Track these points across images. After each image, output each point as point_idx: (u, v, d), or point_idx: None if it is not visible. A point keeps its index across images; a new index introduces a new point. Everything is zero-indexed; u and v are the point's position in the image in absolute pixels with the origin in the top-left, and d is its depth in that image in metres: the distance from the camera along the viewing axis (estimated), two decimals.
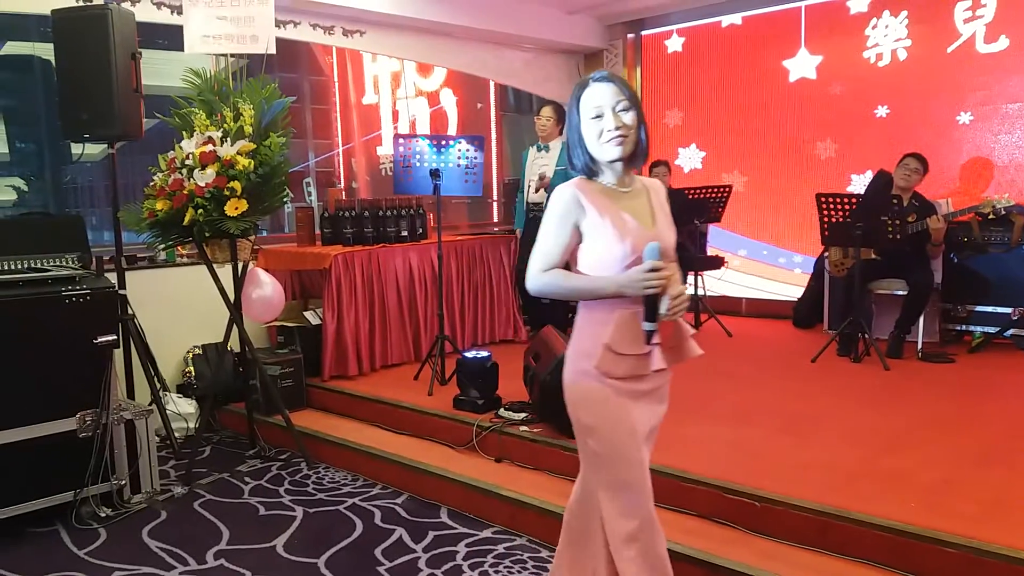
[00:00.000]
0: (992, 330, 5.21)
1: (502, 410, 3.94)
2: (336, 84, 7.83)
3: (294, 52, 7.22)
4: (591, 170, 2.05)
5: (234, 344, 4.37)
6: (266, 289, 4.26)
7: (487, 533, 3.24)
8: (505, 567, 2.93)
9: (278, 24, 4.98)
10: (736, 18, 6.84)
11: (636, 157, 2.03)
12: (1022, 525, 2.57)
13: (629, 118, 1.98)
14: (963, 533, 2.51)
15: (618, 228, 1.96)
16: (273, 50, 4.22)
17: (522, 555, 3.03)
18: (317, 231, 5.40)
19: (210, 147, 3.79)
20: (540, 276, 2.04)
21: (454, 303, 5.54)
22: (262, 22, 4.16)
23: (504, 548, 3.09)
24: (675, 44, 7.27)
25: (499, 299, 5.86)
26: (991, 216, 4.93)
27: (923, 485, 2.93)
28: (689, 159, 7.21)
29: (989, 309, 5.27)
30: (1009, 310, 5.10)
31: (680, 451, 3.22)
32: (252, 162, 3.79)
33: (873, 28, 6.11)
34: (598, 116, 1.97)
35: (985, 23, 5.62)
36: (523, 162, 5.61)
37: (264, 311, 4.32)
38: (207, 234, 3.82)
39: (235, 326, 4.12)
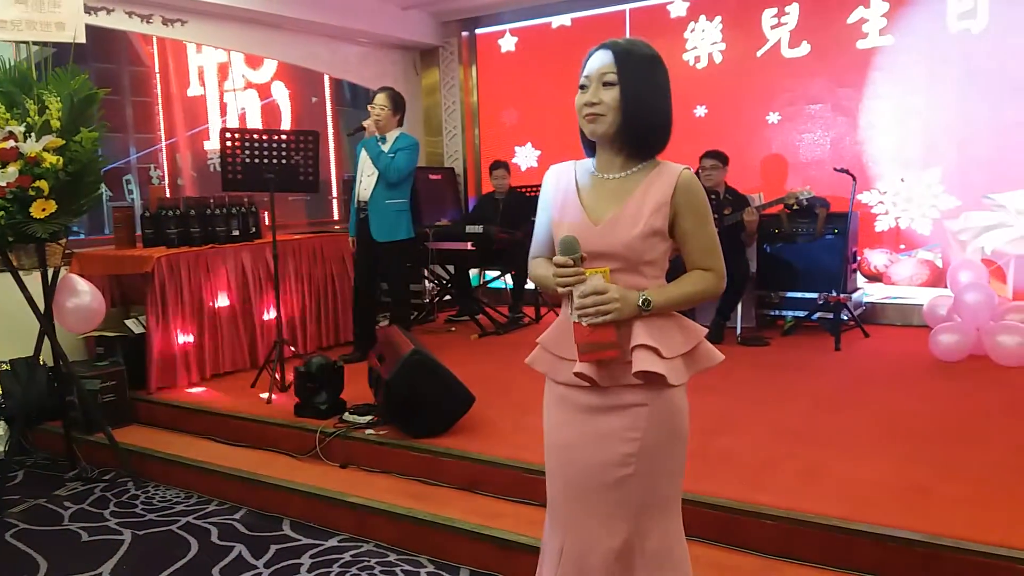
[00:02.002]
0: (802, 314, 5.67)
1: (347, 414, 3.86)
2: (158, 75, 7.38)
3: (109, 41, 6.74)
4: (591, 150, 1.84)
5: (47, 358, 4.03)
6: (83, 298, 3.95)
7: (333, 542, 3.17)
8: (352, 575, 2.88)
9: (89, 11, 4.62)
10: (565, 19, 7.05)
11: (630, 143, 1.75)
12: (832, 493, 2.80)
13: (609, 95, 1.71)
14: (781, 505, 2.71)
15: (564, 218, 1.80)
16: (82, 39, 3.91)
17: (369, 561, 2.98)
18: (138, 232, 5.05)
19: (11, 143, 3.45)
20: (531, 264, 1.93)
21: (293, 305, 5.36)
22: (69, 8, 3.85)
23: (351, 556, 3.04)
24: (508, 43, 7.40)
25: (342, 300, 5.72)
26: (795, 207, 5.34)
27: (746, 462, 3.15)
28: (525, 157, 7.37)
29: (799, 295, 5.73)
30: (816, 295, 5.57)
31: (521, 441, 3.28)
32: (61, 159, 3.51)
33: (691, 32, 6.49)
34: (583, 87, 1.76)
35: (789, 30, 6.11)
36: (357, 157, 5.04)
37: (82, 321, 4.00)
38: (10, 239, 3.50)
39: (46, 338, 3.79)
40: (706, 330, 1.85)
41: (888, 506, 2.68)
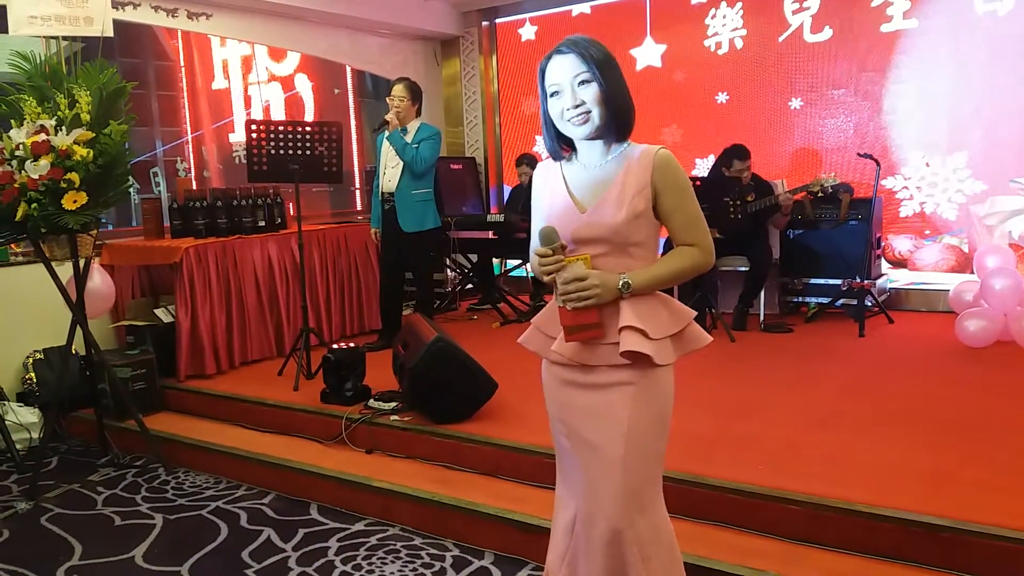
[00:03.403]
0: (825, 300, 5.65)
1: (372, 401, 3.91)
2: (183, 69, 7.47)
3: (136, 36, 6.84)
4: (559, 152, 1.90)
5: (79, 346, 4.12)
6: (95, 280, 4.04)
7: (359, 526, 3.22)
8: (378, 558, 2.93)
9: (115, 5, 4.70)
10: (585, 7, 7.03)
11: (613, 130, 1.82)
12: (856, 478, 2.81)
13: (589, 93, 1.76)
14: (805, 490, 2.72)
15: (551, 209, 1.87)
16: (110, 33, 3.98)
17: (395, 545, 3.03)
18: (166, 223, 5.14)
19: (43, 136, 3.53)
20: (532, 258, 1.97)
21: (318, 294, 5.43)
22: (97, 3, 3.91)
23: (377, 539, 3.09)
24: (528, 32, 7.40)
25: (365, 289, 5.78)
26: (820, 194, 5.33)
27: (769, 447, 3.15)
28: None
29: (822, 281, 5.70)
30: (839, 281, 5.54)
31: (543, 427, 3.30)
32: (91, 152, 3.57)
33: (712, 18, 6.45)
34: (556, 93, 1.80)
35: (811, 14, 6.05)
36: (378, 148, 5.12)
37: (97, 304, 4.09)
38: (43, 230, 3.58)
39: (79, 327, 3.87)
40: (695, 312, 1.90)
41: (912, 491, 2.68)
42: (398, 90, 4.87)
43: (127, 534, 3.23)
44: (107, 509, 3.49)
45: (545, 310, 1.95)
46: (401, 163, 4.84)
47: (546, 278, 1.79)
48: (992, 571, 2.37)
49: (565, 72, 1.78)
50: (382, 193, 5.01)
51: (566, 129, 1.82)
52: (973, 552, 2.41)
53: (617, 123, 1.81)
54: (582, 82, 1.77)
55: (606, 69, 1.78)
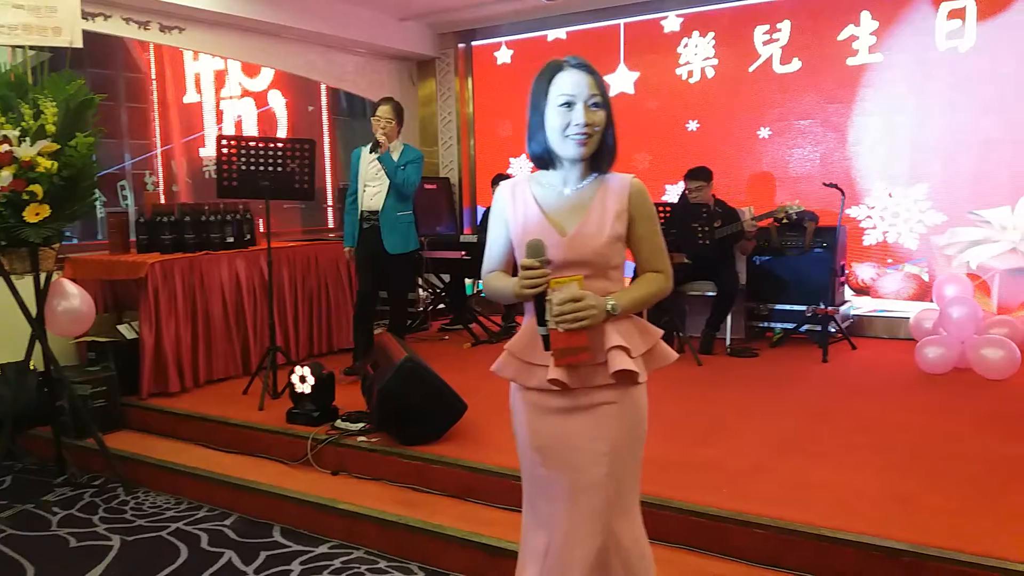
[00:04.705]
0: (790, 326, 5.72)
1: (339, 421, 3.87)
2: (154, 82, 7.41)
3: (107, 47, 6.78)
4: (545, 161, 1.89)
5: (38, 362, 4.03)
6: (73, 301, 3.96)
7: (323, 549, 3.17)
8: None
9: (86, 16, 4.66)
10: (561, 33, 7.11)
11: (600, 159, 1.85)
12: (820, 503, 2.83)
13: (599, 116, 1.80)
14: (769, 514, 2.74)
15: (527, 230, 1.84)
16: (79, 43, 3.93)
17: (359, 568, 2.99)
18: (132, 238, 5.07)
19: (6, 147, 3.47)
20: (485, 278, 1.98)
21: (287, 312, 5.37)
22: (66, 13, 3.87)
23: (340, 563, 3.04)
24: (504, 56, 7.46)
25: (335, 308, 5.75)
26: (785, 221, 5.41)
27: (734, 471, 3.17)
28: (520, 169, 7.41)
29: (787, 307, 5.78)
30: (804, 308, 5.61)
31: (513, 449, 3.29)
32: (55, 164, 3.52)
33: (684, 47, 6.55)
34: (567, 104, 1.78)
35: (781, 46, 6.17)
36: (354, 165, 4.90)
37: (72, 324, 4.01)
38: (3, 243, 3.52)
39: (38, 343, 3.79)
40: (662, 332, 1.94)
41: (873, 515, 2.71)
42: (384, 111, 4.73)
43: (82, 556, 3.15)
44: (62, 530, 3.41)
45: (519, 336, 1.92)
46: (386, 183, 4.72)
47: (528, 292, 1.75)
48: None
49: (581, 88, 1.79)
50: (363, 211, 4.85)
51: (561, 144, 1.82)
52: None
53: (608, 154, 1.85)
54: (595, 104, 1.80)
55: (608, 101, 1.83)
